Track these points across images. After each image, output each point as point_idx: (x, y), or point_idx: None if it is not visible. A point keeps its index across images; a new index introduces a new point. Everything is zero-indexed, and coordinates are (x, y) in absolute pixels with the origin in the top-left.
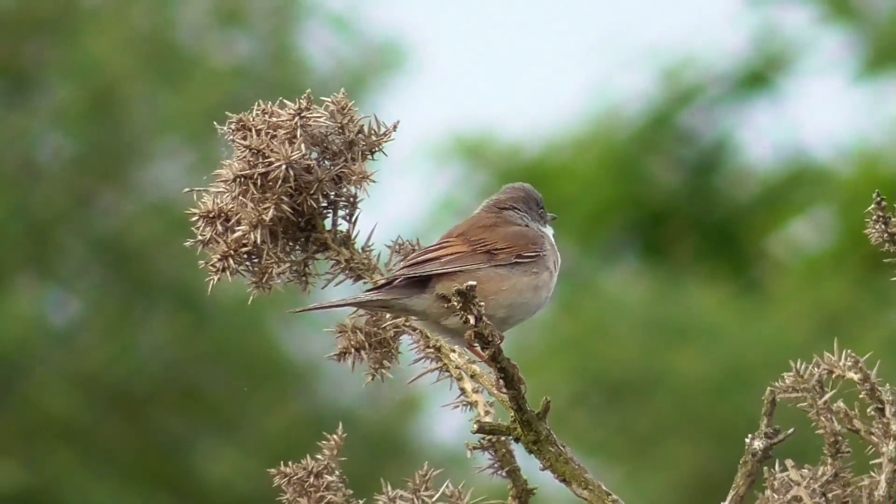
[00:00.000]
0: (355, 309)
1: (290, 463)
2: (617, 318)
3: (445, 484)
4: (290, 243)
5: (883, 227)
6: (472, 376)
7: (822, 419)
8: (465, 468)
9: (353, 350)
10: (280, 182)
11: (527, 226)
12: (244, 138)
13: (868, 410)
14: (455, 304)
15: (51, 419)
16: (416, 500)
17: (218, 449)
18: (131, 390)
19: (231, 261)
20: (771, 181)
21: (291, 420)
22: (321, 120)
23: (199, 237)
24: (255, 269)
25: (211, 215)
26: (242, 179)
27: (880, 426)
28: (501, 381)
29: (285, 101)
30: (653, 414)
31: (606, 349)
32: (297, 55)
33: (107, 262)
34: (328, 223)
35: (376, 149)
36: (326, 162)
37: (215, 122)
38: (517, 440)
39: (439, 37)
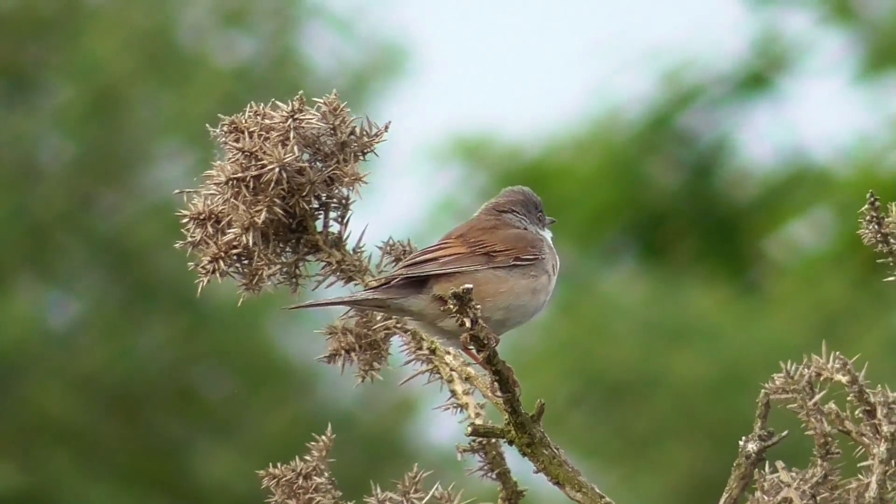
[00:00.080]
0: (348, 309)
1: (278, 464)
2: (616, 320)
3: (435, 486)
4: (281, 245)
5: (876, 227)
6: (467, 379)
7: (813, 420)
8: (461, 470)
9: (343, 352)
10: (273, 184)
11: (525, 229)
12: (237, 140)
13: (857, 412)
14: (451, 306)
15: (49, 420)
16: (405, 502)
17: (216, 450)
18: (130, 392)
19: (221, 263)
20: (770, 182)
21: (289, 422)
22: (313, 122)
23: (190, 239)
24: (246, 270)
25: (202, 217)
26: (235, 182)
27: (870, 428)
28: (496, 384)
29: (278, 102)
30: (651, 415)
31: (605, 350)
32: (298, 57)
33: (106, 264)
34: (319, 225)
35: (368, 150)
36: (318, 163)
37: (208, 125)
38: (511, 443)
39: (440, 38)
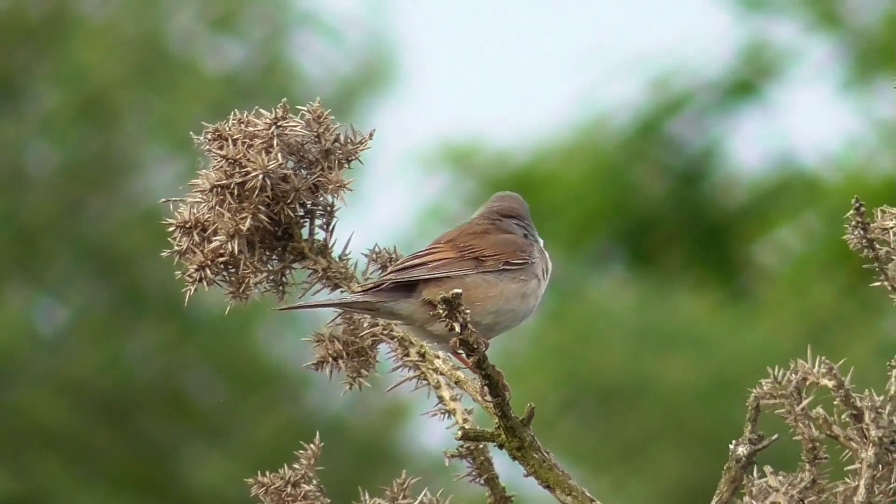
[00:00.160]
0: (335, 316)
1: (267, 473)
2: (604, 326)
3: (424, 492)
4: (268, 253)
5: (862, 232)
6: (457, 383)
7: (800, 425)
8: (450, 476)
9: (330, 359)
10: (257, 192)
11: (525, 235)
12: (220, 148)
13: (843, 416)
14: (440, 311)
15: (39, 426)
16: None
17: (206, 456)
18: (119, 397)
19: (208, 271)
20: (759, 189)
21: (279, 427)
22: (297, 129)
23: (176, 248)
24: (233, 279)
25: (188, 226)
26: (219, 189)
27: (856, 432)
28: (486, 388)
29: (261, 110)
30: (641, 421)
31: (594, 357)
32: (288, 64)
33: (95, 270)
34: (305, 232)
35: (353, 158)
36: (303, 171)
37: (192, 133)
38: (501, 447)
39: (428, 45)
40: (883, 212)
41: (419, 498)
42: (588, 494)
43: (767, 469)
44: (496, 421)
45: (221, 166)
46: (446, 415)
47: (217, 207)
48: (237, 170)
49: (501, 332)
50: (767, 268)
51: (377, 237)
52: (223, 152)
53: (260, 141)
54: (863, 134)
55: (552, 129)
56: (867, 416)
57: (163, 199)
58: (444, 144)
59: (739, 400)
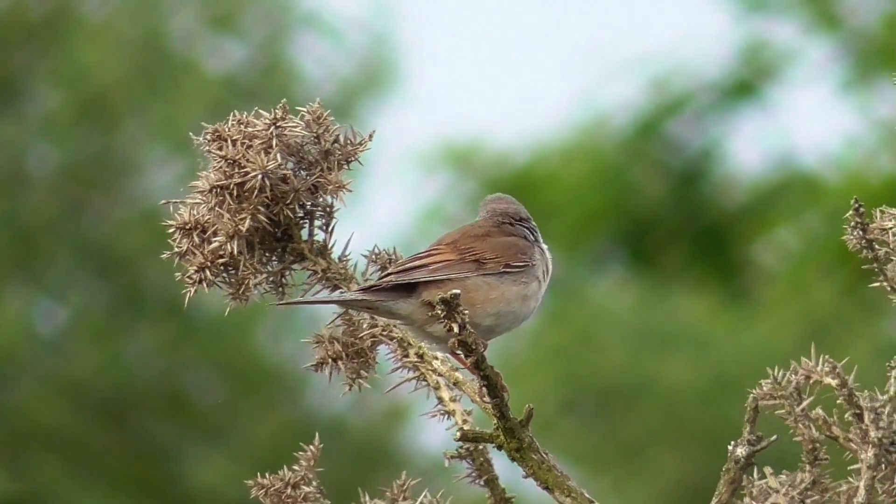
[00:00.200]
0: (335, 317)
1: (267, 474)
2: (604, 327)
3: (424, 493)
4: (267, 254)
5: (861, 233)
6: (455, 384)
7: (800, 426)
8: (450, 477)
9: (330, 360)
10: (256, 192)
11: (525, 237)
12: (220, 149)
13: (846, 416)
14: (439, 312)
15: (38, 427)
16: None
17: (206, 456)
18: (119, 398)
19: (208, 272)
20: (758, 189)
21: (279, 427)
22: (297, 130)
23: (176, 249)
24: (232, 280)
25: (187, 227)
26: (218, 190)
27: (858, 432)
28: (485, 389)
29: (261, 111)
30: (640, 422)
31: (593, 357)
32: (289, 65)
33: (95, 271)
34: (305, 233)
35: (352, 158)
36: (302, 172)
37: (191, 134)
38: (500, 448)
39: (427, 45)
40: (882, 212)
41: (419, 499)
42: (587, 496)
43: (768, 470)
44: (495, 422)
45: (221, 167)
46: (446, 416)
47: (216, 208)
48: (236, 170)
49: (501, 334)
50: (767, 268)
51: (377, 238)
52: (222, 153)
53: (259, 142)
54: (862, 134)
55: (552, 130)
56: (867, 417)
57: (163, 201)
58: (444, 145)
59: (739, 400)
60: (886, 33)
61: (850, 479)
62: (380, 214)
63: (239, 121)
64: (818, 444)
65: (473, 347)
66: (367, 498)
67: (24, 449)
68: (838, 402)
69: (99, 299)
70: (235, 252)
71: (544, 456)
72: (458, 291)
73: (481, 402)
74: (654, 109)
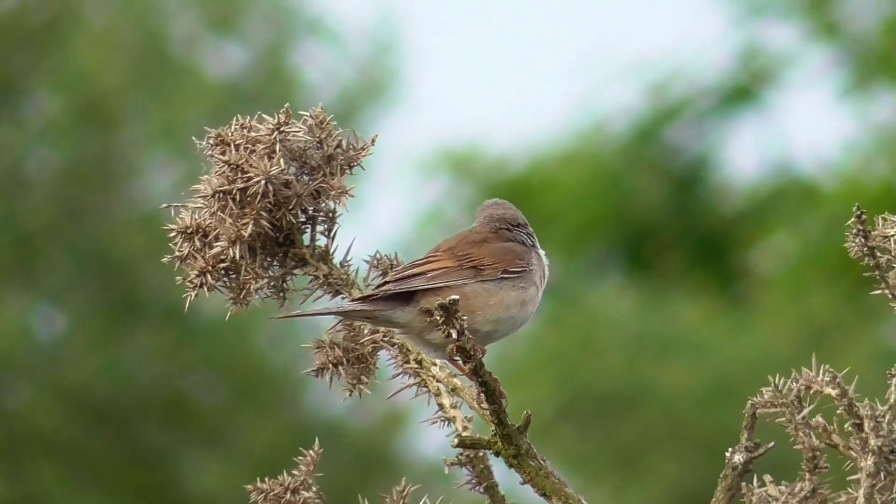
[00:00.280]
0: (335, 322)
1: (266, 479)
2: (603, 332)
3: (423, 500)
4: (269, 259)
5: (863, 240)
6: (453, 390)
7: (801, 434)
8: (450, 483)
9: (330, 366)
10: (259, 197)
11: (522, 243)
12: (223, 153)
13: (846, 426)
14: (438, 318)
15: (37, 432)
16: None
17: (205, 461)
18: (118, 403)
19: (209, 277)
20: (756, 195)
21: (278, 432)
22: (300, 135)
23: (177, 253)
24: (234, 284)
25: (189, 231)
26: (221, 195)
27: (858, 441)
28: (483, 396)
29: (264, 115)
30: (638, 428)
31: (592, 363)
32: (289, 70)
33: (94, 275)
34: (306, 238)
35: (355, 163)
36: (305, 177)
37: (194, 138)
38: (497, 454)
39: (427, 52)
40: (884, 220)
41: None
42: (585, 503)
43: (767, 478)
44: (493, 428)
45: (223, 171)
46: (446, 422)
47: (219, 213)
48: (239, 175)
49: (499, 339)
50: (765, 274)
51: (376, 243)
52: (225, 157)
53: (262, 146)
54: (860, 140)
55: (550, 135)
56: (867, 426)
57: (164, 205)
58: (443, 150)
59: (737, 406)
60: (885, 40)
61: (850, 490)
62: (379, 219)
63: (242, 125)
64: (818, 453)
65: (472, 353)
66: (367, 503)
67: (23, 454)
68: (838, 411)
69: (98, 304)
70: (237, 257)
71: (542, 462)
72: (456, 297)
73: (479, 409)
74: (653, 115)
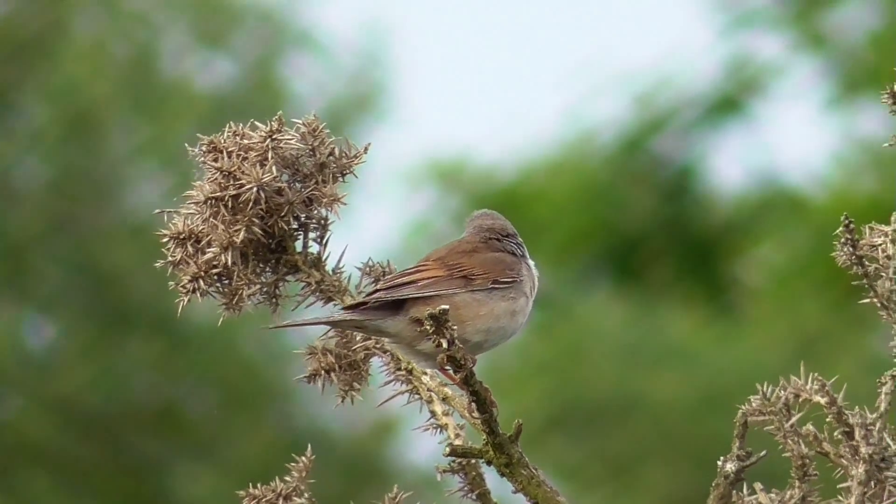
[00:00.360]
0: (327, 329)
1: (259, 485)
2: (592, 343)
3: None
4: (261, 265)
5: (851, 249)
6: (444, 399)
7: (790, 442)
8: (442, 491)
9: (322, 372)
10: (251, 204)
11: (512, 253)
12: (215, 160)
13: (835, 434)
14: (428, 327)
15: (27, 443)
16: None
17: (195, 471)
18: (108, 413)
19: (201, 282)
20: (744, 206)
21: (269, 441)
22: (292, 142)
23: (170, 258)
24: (226, 290)
25: (181, 237)
26: (213, 201)
27: (849, 449)
28: (474, 405)
29: (257, 123)
30: (629, 438)
31: (582, 373)
32: (279, 83)
33: (83, 286)
34: (299, 245)
35: (347, 171)
36: (297, 184)
37: (186, 144)
38: (489, 463)
39: (415, 63)
40: (871, 229)
41: None
42: None
43: (757, 486)
44: (484, 437)
45: (216, 178)
46: (438, 430)
47: (211, 219)
48: (232, 182)
49: (489, 349)
50: (754, 284)
51: (367, 252)
52: (218, 164)
53: (255, 153)
54: (847, 152)
55: (538, 146)
56: (857, 434)
57: (157, 210)
58: (431, 161)
59: (728, 415)
60: (872, 52)
61: (840, 498)
62: (367, 231)
63: (235, 132)
64: (808, 461)
65: (462, 363)
66: None
67: (13, 464)
68: (828, 419)
69: (88, 314)
70: (229, 263)
71: (534, 471)
72: (446, 307)
73: (470, 418)
74: (640, 125)
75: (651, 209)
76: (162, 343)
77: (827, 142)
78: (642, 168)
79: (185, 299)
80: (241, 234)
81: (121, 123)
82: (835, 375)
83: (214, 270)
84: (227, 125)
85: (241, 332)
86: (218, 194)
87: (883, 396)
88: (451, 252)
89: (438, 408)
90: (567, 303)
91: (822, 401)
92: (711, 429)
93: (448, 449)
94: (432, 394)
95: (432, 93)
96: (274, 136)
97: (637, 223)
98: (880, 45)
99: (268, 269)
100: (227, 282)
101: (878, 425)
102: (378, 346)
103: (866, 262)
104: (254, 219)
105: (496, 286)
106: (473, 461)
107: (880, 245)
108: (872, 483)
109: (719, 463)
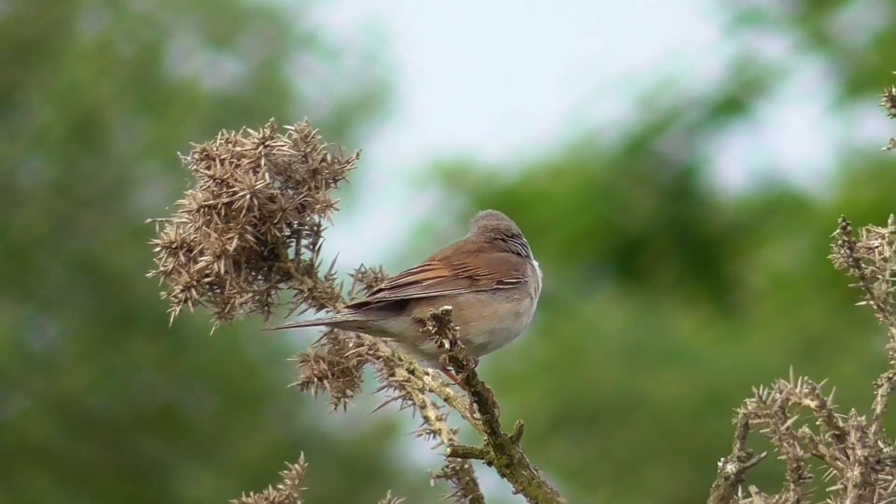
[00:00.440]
0: (321, 336)
1: (251, 493)
2: (595, 343)
3: None
4: (253, 273)
5: (848, 251)
6: (446, 400)
7: (785, 445)
8: (438, 495)
9: (315, 379)
10: (244, 212)
11: (517, 254)
12: (208, 168)
13: (825, 437)
14: (430, 328)
15: (29, 443)
16: None
17: (196, 472)
18: (110, 414)
19: (194, 291)
20: (748, 207)
21: (270, 443)
22: (284, 149)
23: (162, 268)
24: (218, 299)
25: (174, 246)
26: (206, 209)
27: (840, 452)
28: (475, 405)
29: (249, 129)
30: (632, 438)
31: (584, 373)
32: (284, 84)
33: (86, 287)
34: (291, 252)
35: (340, 177)
36: (290, 191)
37: (179, 153)
38: (490, 464)
39: (419, 65)
40: (868, 231)
41: None
42: None
43: (753, 489)
44: (485, 438)
45: (209, 186)
46: (432, 434)
47: (204, 227)
48: (224, 189)
49: (493, 350)
50: (757, 285)
51: (369, 255)
52: (210, 172)
53: (247, 161)
54: (851, 154)
55: (542, 147)
56: (853, 436)
57: (148, 220)
58: (435, 162)
59: (730, 417)
60: (877, 53)
61: (829, 502)
62: (372, 232)
63: (227, 140)
64: (803, 463)
65: (464, 363)
66: None
67: (15, 464)
68: (817, 423)
69: (91, 315)
70: (222, 271)
71: (534, 472)
72: (449, 308)
73: (472, 418)
74: (643, 127)
75: (654, 210)
76: (164, 344)
77: (831, 143)
78: (645, 169)
79: (177, 309)
80: (234, 242)
81: (125, 124)
82: (836, 377)
83: (207, 279)
84: (220, 132)
85: (242, 334)
86: (211, 202)
87: (879, 399)
88: (456, 252)
89: (432, 413)
90: (570, 303)
91: (812, 404)
92: (713, 429)
93: (450, 449)
94: (426, 399)
95: (437, 94)
96: (266, 143)
97: (640, 224)
98: (884, 47)
99: (260, 276)
100: (219, 291)
101: (873, 427)
102: (371, 352)
103: (863, 265)
104: (246, 226)
105: (501, 287)
106: (467, 466)
107: (877, 247)
108: (867, 486)
109: (720, 464)
